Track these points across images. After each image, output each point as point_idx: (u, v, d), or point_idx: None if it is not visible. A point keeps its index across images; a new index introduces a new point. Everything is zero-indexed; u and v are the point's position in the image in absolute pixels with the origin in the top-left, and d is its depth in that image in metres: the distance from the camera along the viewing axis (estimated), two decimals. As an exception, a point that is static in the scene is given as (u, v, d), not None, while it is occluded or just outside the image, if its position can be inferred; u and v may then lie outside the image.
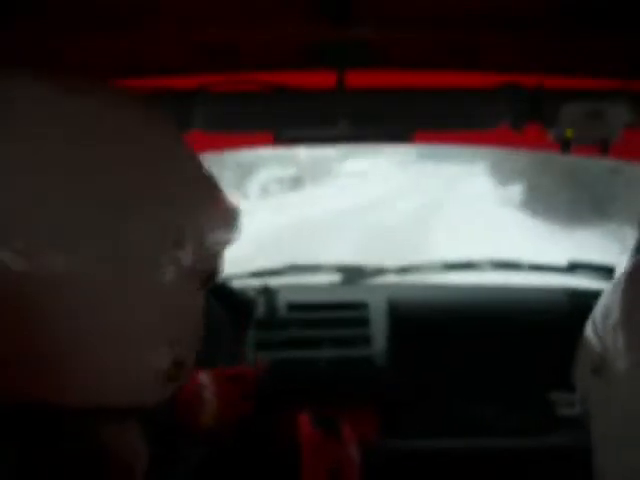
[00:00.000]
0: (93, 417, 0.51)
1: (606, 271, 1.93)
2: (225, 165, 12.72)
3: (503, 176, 18.33)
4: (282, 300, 1.88)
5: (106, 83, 0.57)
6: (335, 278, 2.08)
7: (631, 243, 1.84)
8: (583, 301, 1.85)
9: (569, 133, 1.23)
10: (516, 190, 15.37)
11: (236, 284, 1.93)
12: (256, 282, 1.96)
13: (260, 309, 1.84)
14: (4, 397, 0.47)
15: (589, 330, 0.78)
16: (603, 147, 1.25)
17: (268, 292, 1.86)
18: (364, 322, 1.84)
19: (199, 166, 0.59)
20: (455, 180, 19.60)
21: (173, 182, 0.55)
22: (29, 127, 0.49)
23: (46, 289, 0.46)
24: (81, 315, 0.48)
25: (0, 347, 0.46)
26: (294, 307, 1.90)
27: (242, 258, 1.80)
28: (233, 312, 1.83)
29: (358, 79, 1.22)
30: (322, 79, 1.23)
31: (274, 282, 1.96)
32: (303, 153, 16.22)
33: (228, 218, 0.61)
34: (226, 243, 0.61)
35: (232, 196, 0.62)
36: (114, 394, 0.52)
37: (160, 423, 0.59)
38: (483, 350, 1.87)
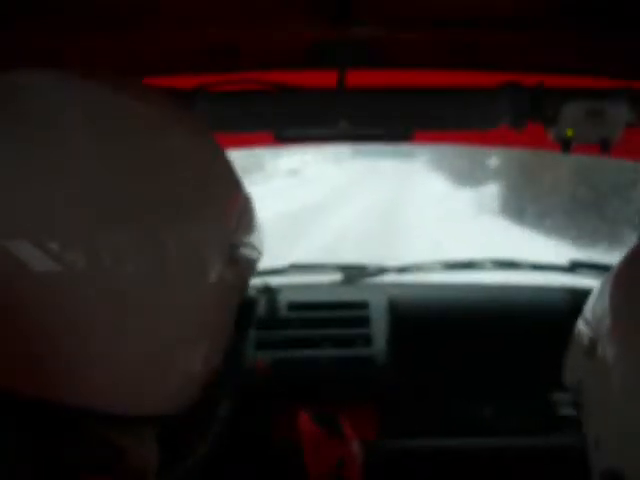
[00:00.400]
0: (110, 422, 0.51)
1: (607, 270, 1.92)
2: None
3: (457, 175, 17.50)
4: (283, 299, 1.88)
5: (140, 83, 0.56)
6: (336, 277, 2.08)
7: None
8: (585, 300, 1.84)
9: (570, 132, 1.23)
10: (486, 191, 14.44)
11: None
12: (257, 281, 1.96)
13: (261, 308, 1.84)
14: (26, 393, 0.46)
15: (580, 323, 0.80)
16: (604, 146, 1.24)
17: (269, 291, 1.85)
18: (365, 321, 1.84)
19: (236, 174, 0.59)
20: (404, 178, 18.45)
21: (222, 195, 0.56)
22: (61, 125, 0.48)
23: (73, 290, 0.46)
24: (120, 319, 0.48)
25: (25, 346, 0.46)
26: (295, 306, 1.90)
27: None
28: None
29: (358, 78, 1.22)
30: (323, 79, 1.23)
31: (275, 281, 1.96)
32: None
33: (257, 226, 0.62)
34: (259, 252, 0.62)
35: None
36: (151, 401, 0.52)
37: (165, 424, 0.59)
38: (484, 349, 1.86)
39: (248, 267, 0.60)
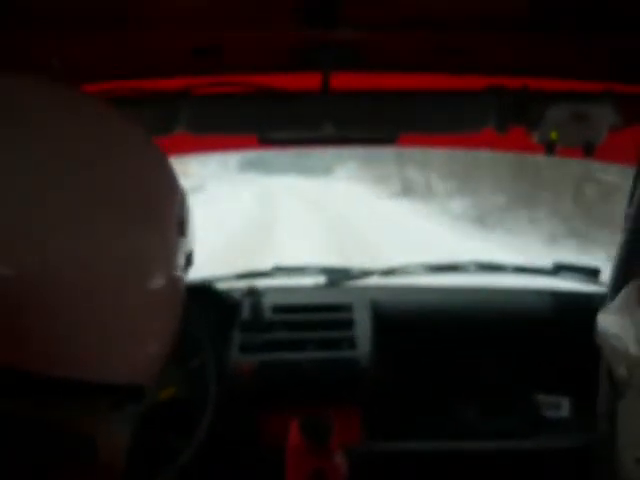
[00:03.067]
0: (84, 402, 0.51)
1: (591, 273, 1.94)
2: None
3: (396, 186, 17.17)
4: (267, 302, 1.87)
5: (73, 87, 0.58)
6: (320, 280, 2.08)
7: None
8: (568, 303, 1.85)
9: (554, 135, 1.23)
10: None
11: (221, 286, 1.92)
12: (241, 284, 1.95)
13: (245, 311, 1.84)
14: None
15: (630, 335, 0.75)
16: (588, 149, 1.25)
17: (253, 294, 1.85)
18: (349, 324, 1.84)
19: (176, 176, 0.62)
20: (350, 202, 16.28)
21: (166, 196, 0.59)
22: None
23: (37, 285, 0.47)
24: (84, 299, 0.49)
25: None
26: (279, 309, 1.89)
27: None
28: (218, 314, 1.82)
29: (343, 81, 1.22)
30: (307, 81, 1.23)
31: (259, 284, 1.95)
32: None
33: (192, 220, 0.65)
34: (194, 245, 0.65)
35: None
36: (106, 368, 0.53)
37: (152, 423, 0.60)
38: (467, 351, 1.87)
39: (189, 259, 0.63)
